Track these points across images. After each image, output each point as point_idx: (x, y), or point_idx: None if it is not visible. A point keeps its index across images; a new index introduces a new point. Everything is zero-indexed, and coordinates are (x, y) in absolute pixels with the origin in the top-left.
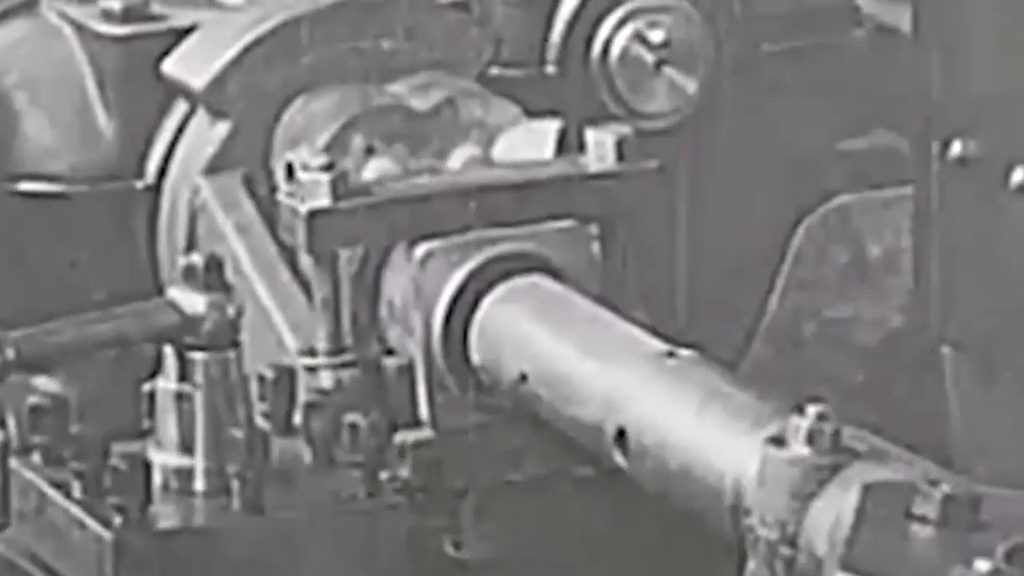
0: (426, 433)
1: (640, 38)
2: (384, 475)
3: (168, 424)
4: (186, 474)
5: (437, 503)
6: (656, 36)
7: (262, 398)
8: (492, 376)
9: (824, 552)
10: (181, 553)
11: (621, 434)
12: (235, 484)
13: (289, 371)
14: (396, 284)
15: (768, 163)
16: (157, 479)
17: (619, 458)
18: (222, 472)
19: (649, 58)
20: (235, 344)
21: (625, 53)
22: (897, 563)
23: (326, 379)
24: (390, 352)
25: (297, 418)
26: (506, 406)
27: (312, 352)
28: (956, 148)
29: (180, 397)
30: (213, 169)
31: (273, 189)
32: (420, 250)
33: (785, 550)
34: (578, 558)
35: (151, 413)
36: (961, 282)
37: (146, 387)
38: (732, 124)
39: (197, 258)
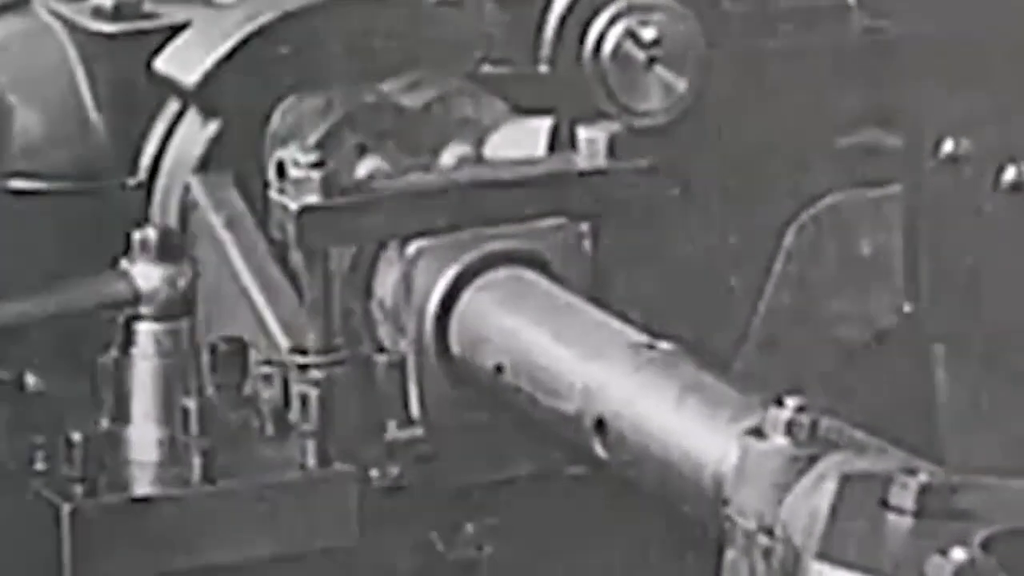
0: (418, 431)
1: (632, 36)
2: (375, 473)
3: (123, 395)
4: (140, 444)
5: (429, 501)
6: (648, 34)
7: (214, 369)
8: (471, 368)
9: (801, 542)
10: (137, 523)
11: (600, 425)
12: (188, 454)
13: (240, 342)
14: (387, 282)
15: (759, 161)
16: (113, 450)
17: (598, 449)
18: (175, 442)
19: (641, 56)
20: (187, 314)
21: (617, 51)
22: (874, 553)
23: (317, 377)
24: (381, 350)
25: (249, 388)
26: (494, 402)
27: (303, 350)
28: (947, 146)
29: (133, 368)
30: (204, 167)
31: (264, 187)
32: (411, 248)
33: (763, 540)
34: (570, 556)
35: (106, 385)
36: (952, 280)
37: (101, 359)
38: (723, 122)
39: (151, 230)
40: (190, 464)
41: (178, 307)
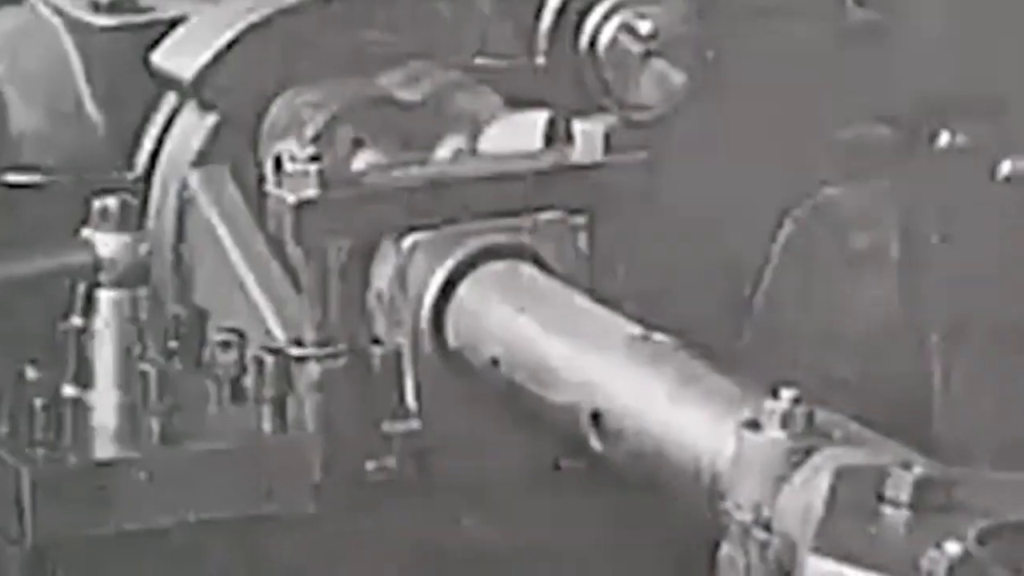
0: (414, 424)
1: (628, 29)
2: (371, 465)
3: (85, 361)
4: (101, 409)
5: (425, 494)
6: (644, 27)
7: (175, 336)
8: (467, 361)
9: (797, 535)
10: (97, 486)
11: (596, 417)
12: (147, 418)
13: (199, 311)
14: (384, 274)
15: (755, 154)
16: (75, 415)
17: (594, 442)
18: (135, 407)
19: (637, 49)
20: (146, 282)
21: (613, 44)
22: (869, 546)
23: (314, 370)
24: (378, 342)
25: (207, 355)
26: (490, 394)
27: (300, 343)
28: (943, 139)
29: (94, 334)
30: (202, 161)
31: (261, 180)
32: (407, 241)
33: (759, 533)
34: (566, 551)
35: (68, 350)
36: (948, 273)
37: (63, 325)
38: (718, 115)
39: (111, 200)
40: (149, 428)
41: (138, 274)
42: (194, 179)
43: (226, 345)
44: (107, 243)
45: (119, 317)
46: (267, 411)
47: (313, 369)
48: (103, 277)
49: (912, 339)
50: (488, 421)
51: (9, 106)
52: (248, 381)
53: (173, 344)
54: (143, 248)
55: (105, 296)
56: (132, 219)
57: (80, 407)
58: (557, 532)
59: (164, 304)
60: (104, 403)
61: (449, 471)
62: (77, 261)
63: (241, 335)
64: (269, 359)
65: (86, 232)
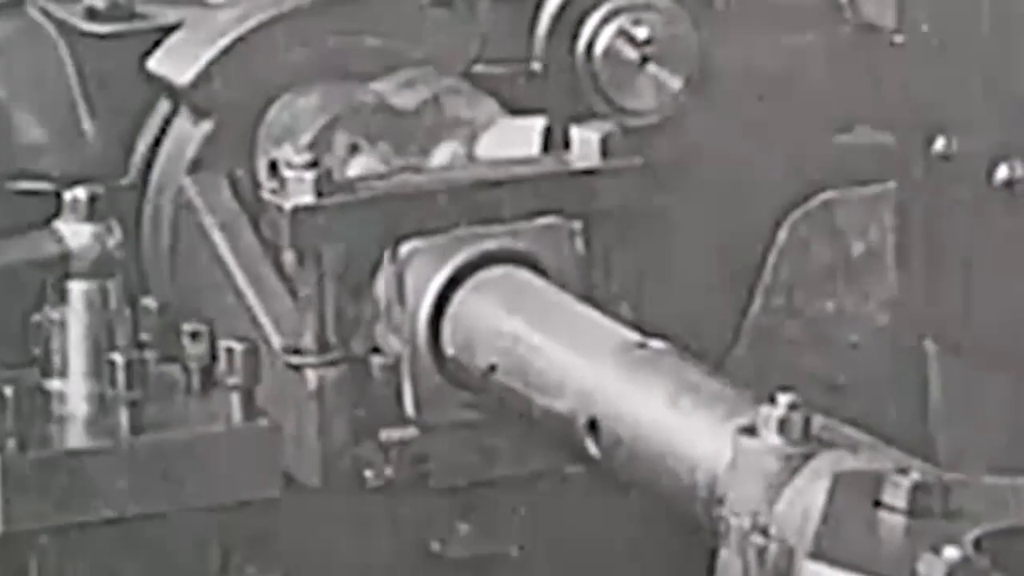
0: (411, 431)
1: (625, 35)
2: (369, 473)
3: (55, 351)
4: (71, 399)
5: (423, 501)
6: (641, 33)
7: (144, 327)
8: (465, 368)
9: (795, 541)
10: (67, 475)
11: (593, 424)
12: (117, 407)
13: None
14: (381, 281)
15: (752, 159)
16: (45, 404)
17: (591, 448)
18: (105, 396)
19: (634, 55)
20: (115, 273)
21: (610, 50)
22: (866, 552)
23: (311, 377)
24: (376, 350)
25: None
26: (488, 402)
27: (297, 350)
28: (940, 144)
29: (64, 325)
30: (197, 167)
31: (257, 187)
32: (404, 248)
33: (757, 539)
34: (564, 555)
35: (39, 341)
36: (945, 278)
37: (34, 317)
38: (715, 120)
39: (80, 191)
40: (118, 417)
41: (107, 265)
42: (190, 185)
43: (196, 335)
44: (77, 234)
45: (90, 307)
46: (236, 400)
47: (310, 377)
48: (73, 268)
49: (908, 344)
50: (485, 428)
51: (4, 113)
52: (218, 371)
53: (144, 335)
54: (112, 239)
55: (76, 287)
56: (101, 210)
57: (51, 397)
58: (554, 537)
59: (137, 297)
60: (75, 393)
61: (446, 478)
62: (48, 252)
63: (210, 325)
64: (238, 348)
65: (56, 223)
